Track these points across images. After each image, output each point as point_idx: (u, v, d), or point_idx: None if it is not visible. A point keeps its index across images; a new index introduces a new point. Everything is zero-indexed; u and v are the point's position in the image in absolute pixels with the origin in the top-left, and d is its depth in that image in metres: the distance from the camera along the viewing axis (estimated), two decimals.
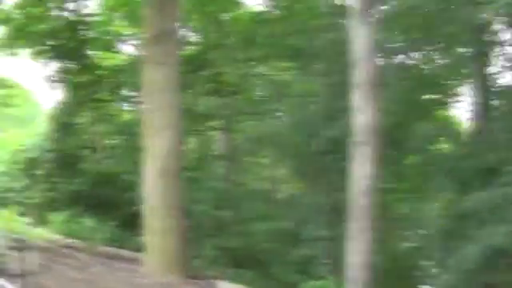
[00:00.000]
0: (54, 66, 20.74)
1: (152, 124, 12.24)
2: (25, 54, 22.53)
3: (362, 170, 9.74)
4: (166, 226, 11.90)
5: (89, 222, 16.60)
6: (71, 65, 20.35)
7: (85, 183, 19.10)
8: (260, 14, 19.42)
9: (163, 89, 12.18)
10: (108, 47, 21.26)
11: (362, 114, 10.04)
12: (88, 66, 20.38)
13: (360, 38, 10.59)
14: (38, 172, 20.00)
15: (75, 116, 20.65)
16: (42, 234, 16.32)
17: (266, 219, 13.27)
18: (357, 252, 9.54)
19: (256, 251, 13.29)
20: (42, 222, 18.27)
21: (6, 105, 65.17)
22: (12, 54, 21.90)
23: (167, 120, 12.15)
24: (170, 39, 12.48)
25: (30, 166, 20.38)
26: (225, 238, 13.63)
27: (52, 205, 18.93)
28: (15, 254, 13.53)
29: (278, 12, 19.54)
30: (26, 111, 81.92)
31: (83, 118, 20.89)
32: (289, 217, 13.51)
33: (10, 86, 63.67)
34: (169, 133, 12.11)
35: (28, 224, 17.07)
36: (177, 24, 13.03)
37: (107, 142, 20.49)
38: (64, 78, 20.60)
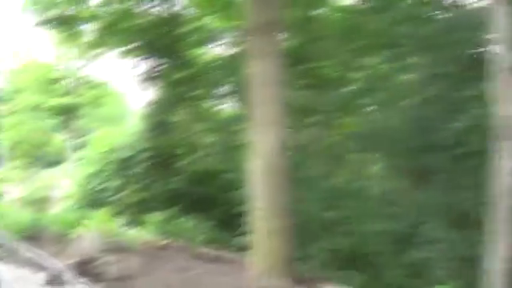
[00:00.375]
0: (147, 64, 20.45)
1: (256, 120, 11.65)
2: (113, 53, 22.46)
3: (506, 166, 8.79)
4: (272, 227, 11.30)
5: (187, 222, 16.16)
6: (165, 62, 20.02)
7: (181, 182, 18.73)
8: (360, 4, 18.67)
9: (267, 82, 11.58)
10: (203, 42, 20.74)
11: (504, 103, 9.01)
12: (183, 63, 19.96)
13: (501, 19, 9.57)
14: (132, 172, 19.75)
15: (170, 114, 20.25)
16: (139, 235, 16.00)
17: (375, 219, 12.48)
18: (498, 258, 8.63)
19: (366, 253, 12.51)
20: (136, 223, 17.96)
21: (96, 105, 66.72)
22: (101, 53, 21.82)
23: (272, 115, 11.55)
24: (273, 30, 11.89)
25: (123, 165, 20.14)
26: (332, 240, 12.92)
27: (147, 205, 18.59)
28: (112, 257, 13.28)
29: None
30: (115, 111, 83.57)
31: (178, 116, 20.48)
32: (399, 217, 12.67)
33: (99, 87, 65.23)
34: (274, 129, 11.50)
35: (123, 225, 16.76)
36: (279, 14, 12.39)
37: (204, 140, 20.00)
38: (157, 75, 20.27)
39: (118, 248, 14.21)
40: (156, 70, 20.30)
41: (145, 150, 19.71)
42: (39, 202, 18.82)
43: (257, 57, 11.68)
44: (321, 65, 17.93)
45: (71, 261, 13.13)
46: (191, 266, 13.64)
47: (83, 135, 78.34)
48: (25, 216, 18.21)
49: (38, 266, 12.19)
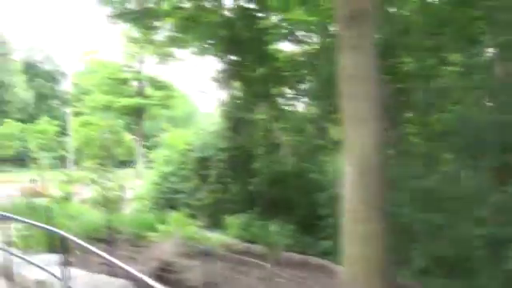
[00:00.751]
0: (224, 61, 19.70)
1: (348, 116, 10.82)
2: (186, 52, 21.94)
3: None
4: (368, 231, 10.41)
5: (268, 225, 15.36)
6: (244, 58, 19.25)
7: (260, 184, 18.00)
8: None
9: (359, 76, 10.68)
10: (284, 37, 19.78)
11: None
12: (264, 59, 19.12)
13: None
14: (209, 172, 19.12)
15: (248, 113, 19.49)
16: (218, 239, 15.27)
17: (479, 223, 11.51)
18: None
19: (469, 260, 11.56)
20: (215, 225, 17.28)
21: (164, 106, 66.94)
22: (173, 52, 21.28)
23: (366, 111, 10.66)
24: (366, 20, 11.04)
25: (200, 165, 19.54)
26: (431, 244, 12.01)
27: (224, 207, 17.90)
28: (192, 262, 12.65)
29: None
30: (183, 112, 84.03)
31: (257, 115, 19.73)
32: (503, 221, 11.67)
33: (168, 88, 65.45)
34: (368, 125, 10.63)
35: (201, 228, 16.09)
36: (372, 3, 11.54)
37: (284, 139, 19.14)
38: (235, 72, 19.54)
39: (198, 252, 13.58)
40: (234, 66, 19.53)
41: (222, 150, 19.03)
42: (111, 203, 18.28)
43: (348, 49, 10.84)
44: (407, 60, 17.00)
45: (149, 266, 12.54)
46: (277, 272, 12.93)
47: (152, 136, 79.11)
48: (97, 217, 17.71)
49: (113, 272, 11.51)
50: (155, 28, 20.57)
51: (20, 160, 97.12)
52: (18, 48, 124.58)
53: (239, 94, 19.78)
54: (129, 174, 29.09)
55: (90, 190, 26.93)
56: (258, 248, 14.78)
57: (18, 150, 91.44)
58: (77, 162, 54.91)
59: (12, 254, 11.69)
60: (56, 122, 67.92)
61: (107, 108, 61.45)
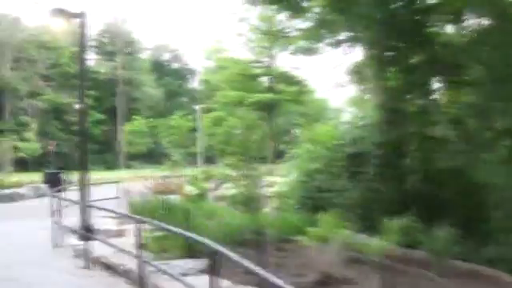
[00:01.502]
0: (378, 45, 17.80)
1: None
2: (329, 41, 20.38)
3: None
4: None
5: (434, 229, 13.46)
6: (403, 42, 17.35)
7: (418, 183, 16.22)
8: None
9: None
10: (450, 18, 17.48)
11: None
12: (424, 43, 17.00)
13: None
14: (362, 169, 17.39)
15: (404, 104, 17.66)
16: (378, 245, 13.39)
17: None
18: None
19: None
20: (367, 228, 15.43)
21: (297, 101, 66.03)
22: (324, 35, 19.66)
23: None
24: None
25: (352, 162, 17.82)
26: None
27: (379, 208, 16.04)
28: (353, 273, 11.11)
29: None
30: (316, 107, 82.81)
31: (414, 107, 17.87)
32: None
33: (300, 83, 64.42)
34: None
35: (355, 232, 14.32)
36: None
37: (446, 133, 17.18)
38: (392, 59, 17.70)
39: (357, 261, 12.01)
40: (388, 52, 17.72)
41: (374, 146, 17.28)
42: (252, 202, 16.98)
43: None
44: None
45: (306, 278, 11.07)
46: (445, 284, 11.18)
47: (285, 132, 78.27)
48: (237, 218, 16.29)
49: (261, 283, 9.86)
50: (302, 10, 18.90)
51: (151, 157, 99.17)
52: (146, 47, 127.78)
53: (392, 83, 17.93)
54: (268, 171, 27.77)
55: (226, 187, 25.91)
56: (416, 254, 13.04)
57: (149, 147, 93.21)
58: (209, 159, 54.68)
59: (145, 261, 10.57)
60: (188, 119, 68.28)
61: (239, 104, 60.97)
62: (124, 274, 11.92)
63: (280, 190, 21.04)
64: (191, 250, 12.48)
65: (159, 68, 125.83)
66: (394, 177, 16.61)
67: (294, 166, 21.64)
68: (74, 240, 16.14)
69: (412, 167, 16.80)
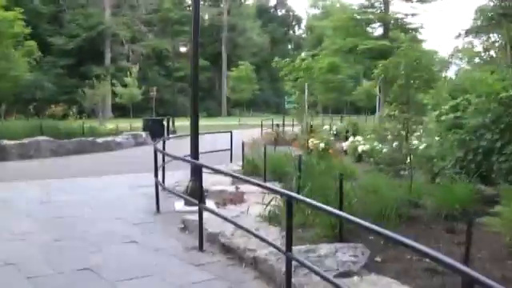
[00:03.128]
0: None
1: None
2: None
3: None
4: None
5: None
6: None
7: None
8: None
9: None
10: None
11: None
12: None
13: None
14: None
15: None
16: None
17: None
18: None
19: None
20: None
21: (412, 50, 61.94)
22: None
23: None
24: None
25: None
26: None
27: None
28: None
29: None
30: (428, 56, 77.96)
31: None
32: None
33: (416, 31, 59.90)
34: None
35: None
36: None
37: None
38: None
39: None
40: None
41: None
42: (400, 163, 13.60)
43: None
44: None
45: None
46: None
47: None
48: (387, 184, 12.32)
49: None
50: None
51: (253, 105, 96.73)
52: None
53: None
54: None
55: (351, 142, 22.53)
56: None
57: (254, 94, 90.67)
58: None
59: (293, 258, 6.68)
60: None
61: (350, 51, 57.11)
62: (254, 265, 8.29)
63: (426, 150, 16.67)
64: (334, 226, 8.89)
65: (264, 14, 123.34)
66: None
67: (441, 121, 17.64)
68: (180, 205, 12.82)
69: None
